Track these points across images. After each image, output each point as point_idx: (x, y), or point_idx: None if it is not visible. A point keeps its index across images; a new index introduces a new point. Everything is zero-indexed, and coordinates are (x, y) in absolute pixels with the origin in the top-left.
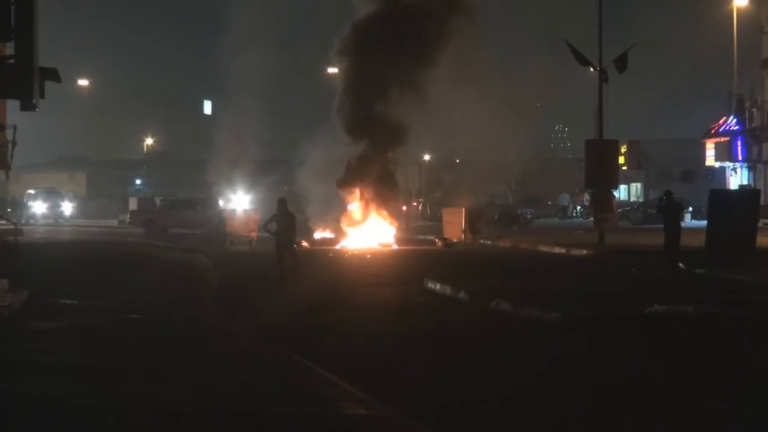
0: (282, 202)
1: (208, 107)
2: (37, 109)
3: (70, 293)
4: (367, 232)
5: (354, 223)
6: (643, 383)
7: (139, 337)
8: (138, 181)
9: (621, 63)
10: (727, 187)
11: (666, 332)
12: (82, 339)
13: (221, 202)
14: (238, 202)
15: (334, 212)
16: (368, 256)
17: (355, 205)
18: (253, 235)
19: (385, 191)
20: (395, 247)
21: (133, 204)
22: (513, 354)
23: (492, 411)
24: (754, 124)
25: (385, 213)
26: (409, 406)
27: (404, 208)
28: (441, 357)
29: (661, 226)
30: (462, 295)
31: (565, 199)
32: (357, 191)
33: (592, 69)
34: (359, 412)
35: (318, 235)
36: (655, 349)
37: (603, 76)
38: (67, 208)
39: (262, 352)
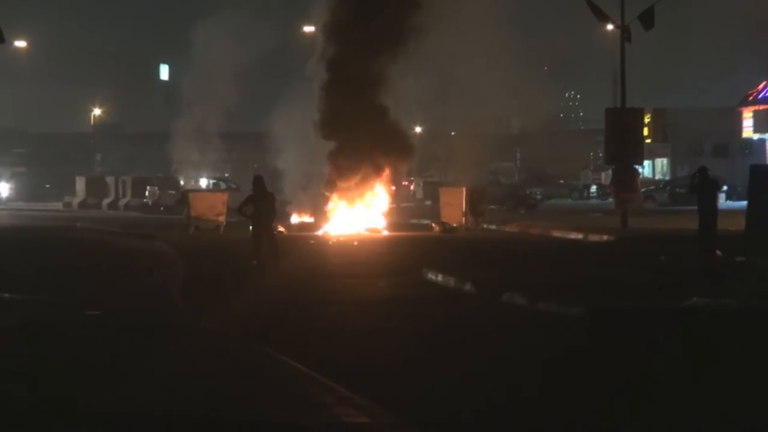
0: (258, 181)
1: (164, 72)
2: None
3: (14, 287)
4: (353, 215)
5: (339, 202)
6: (683, 389)
7: (99, 336)
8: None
9: (647, 19)
10: None
11: (707, 329)
12: (31, 339)
13: (182, 182)
14: (203, 181)
15: (315, 192)
16: (355, 243)
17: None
18: (222, 219)
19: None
20: (386, 232)
21: (80, 184)
22: (531, 354)
23: (508, 422)
24: None
25: (376, 192)
26: (414, 413)
27: (393, 187)
28: (448, 358)
29: (692, 207)
30: (468, 287)
31: (587, 176)
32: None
33: (612, 26)
34: (361, 421)
35: (296, 219)
36: (696, 349)
37: (625, 34)
38: (4, 189)
39: (241, 352)
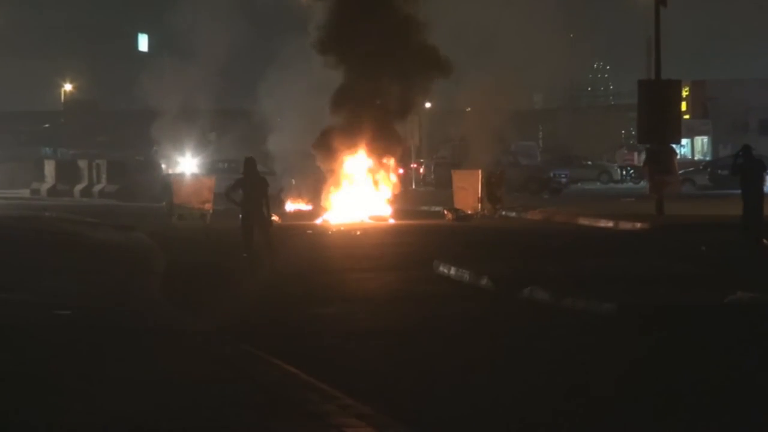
0: (250, 163)
1: (143, 43)
2: None
3: None
4: (355, 202)
5: (339, 189)
6: (736, 398)
7: (72, 339)
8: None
9: None
10: None
11: (757, 328)
12: None
13: (164, 166)
14: (187, 164)
15: (312, 177)
16: (358, 233)
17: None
18: (208, 207)
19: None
20: (392, 221)
21: (49, 168)
22: (558, 356)
23: None
24: None
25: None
26: (425, 425)
27: (401, 170)
28: (464, 362)
29: (736, 190)
30: (485, 281)
31: (620, 156)
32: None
33: None
34: None
35: (291, 206)
36: (744, 351)
37: None
38: None
39: (230, 355)
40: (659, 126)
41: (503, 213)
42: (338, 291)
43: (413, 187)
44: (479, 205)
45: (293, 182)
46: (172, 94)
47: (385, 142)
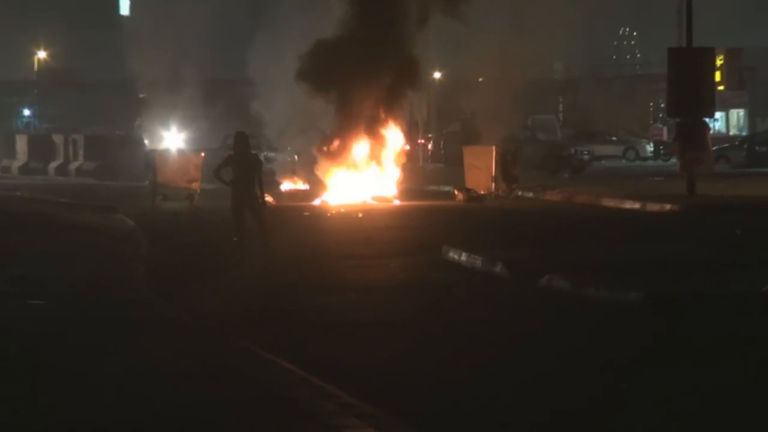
0: (241, 138)
1: (125, 5)
2: None
3: None
4: (356, 182)
5: (338, 167)
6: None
7: (44, 332)
8: (27, 112)
9: None
10: None
11: None
12: None
13: (147, 141)
14: (173, 140)
15: (308, 155)
16: (360, 216)
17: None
18: (195, 186)
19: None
20: (397, 202)
21: (21, 144)
22: (580, 351)
23: None
24: None
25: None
26: (432, 425)
27: (407, 147)
28: (476, 356)
29: None
30: (499, 268)
31: (662, 131)
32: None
33: None
34: None
35: (286, 186)
36: None
37: None
38: None
39: (221, 350)
40: (691, 98)
41: (519, 193)
42: (337, 279)
43: (421, 164)
44: (493, 184)
45: (296, 158)
46: (157, 62)
47: (389, 113)
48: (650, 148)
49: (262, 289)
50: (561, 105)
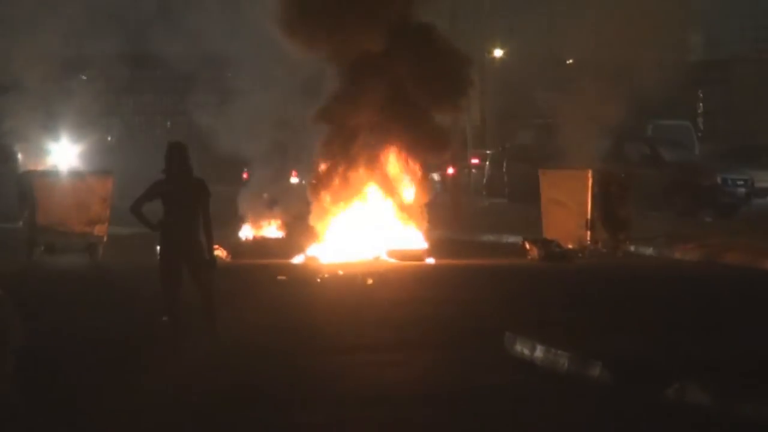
0: (176, 153)
1: None
2: None
3: None
4: (364, 227)
5: (335, 204)
6: None
7: None
8: None
9: None
10: None
11: None
12: None
13: (21, 157)
14: (64, 155)
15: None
16: (369, 282)
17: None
18: (100, 231)
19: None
20: (430, 260)
21: None
22: None
23: None
24: None
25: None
26: None
27: (450, 170)
28: None
29: None
30: (598, 371)
31: None
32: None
33: None
34: None
35: (249, 232)
36: None
37: None
38: None
39: None
40: None
41: (631, 248)
42: (331, 385)
43: (470, 198)
44: (588, 233)
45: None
46: (31, 36)
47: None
48: None
49: (204, 403)
50: (701, 103)
